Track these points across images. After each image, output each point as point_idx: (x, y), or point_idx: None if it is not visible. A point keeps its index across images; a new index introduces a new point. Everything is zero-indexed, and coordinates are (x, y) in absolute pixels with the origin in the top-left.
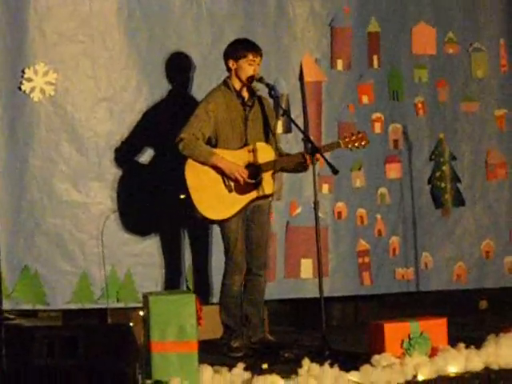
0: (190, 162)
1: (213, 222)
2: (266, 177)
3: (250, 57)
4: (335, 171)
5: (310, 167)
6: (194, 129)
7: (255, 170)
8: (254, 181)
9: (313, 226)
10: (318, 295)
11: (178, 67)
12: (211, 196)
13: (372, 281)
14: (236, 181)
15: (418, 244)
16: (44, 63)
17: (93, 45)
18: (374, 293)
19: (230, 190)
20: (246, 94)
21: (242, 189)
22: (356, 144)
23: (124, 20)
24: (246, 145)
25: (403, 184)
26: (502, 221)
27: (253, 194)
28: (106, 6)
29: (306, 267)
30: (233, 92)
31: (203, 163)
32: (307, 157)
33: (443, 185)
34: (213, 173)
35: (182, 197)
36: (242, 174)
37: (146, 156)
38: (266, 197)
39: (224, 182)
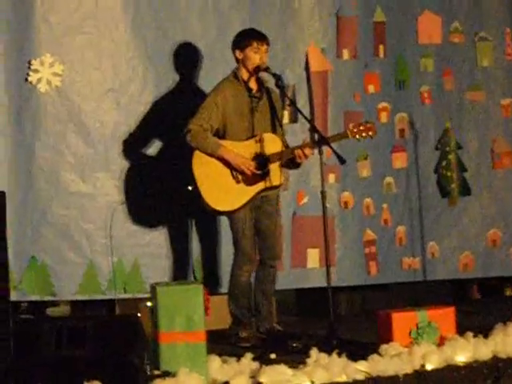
0: (197, 153)
1: (221, 213)
2: (274, 168)
3: (255, 44)
4: (343, 161)
5: (315, 158)
6: (201, 120)
7: (263, 161)
8: (261, 172)
9: (319, 216)
10: (324, 285)
11: (184, 58)
12: (219, 187)
13: (379, 270)
14: (243, 173)
15: (424, 233)
16: (50, 54)
17: (99, 36)
18: (380, 282)
19: (238, 182)
20: (254, 85)
21: (249, 180)
22: (363, 134)
23: (130, 11)
24: (253, 136)
25: (409, 173)
26: (509, 209)
27: (260, 185)
28: None
29: (313, 257)
30: (241, 83)
31: (210, 155)
32: (296, 152)
33: (449, 174)
34: (220, 164)
35: (190, 188)
36: (249, 166)
37: (152, 147)
38: (273, 188)
39: (232, 173)
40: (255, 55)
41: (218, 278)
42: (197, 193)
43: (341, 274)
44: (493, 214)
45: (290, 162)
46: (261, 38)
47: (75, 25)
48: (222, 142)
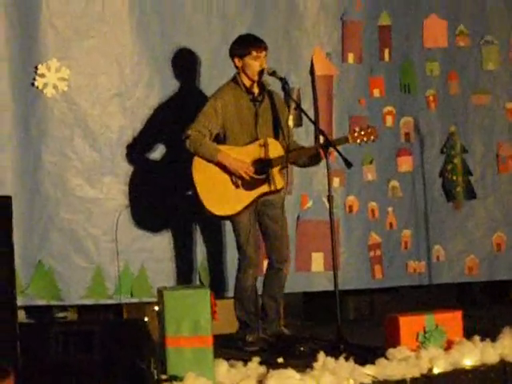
0: (196, 159)
1: (221, 218)
2: (275, 172)
3: (254, 53)
4: (349, 165)
5: (323, 161)
6: (200, 126)
7: (264, 165)
8: (261, 176)
9: (323, 220)
10: (328, 288)
11: (190, 63)
12: (218, 193)
13: (384, 274)
14: (242, 177)
15: (429, 237)
16: (57, 59)
17: (105, 41)
18: (385, 286)
19: (237, 186)
20: (256, 89)
21: (249, 185)
22: (365, 139)
23: (136, 16)
24: (255, 140)
25: (415, 177)
26: None
27: (260, 190)
28: (118, 2)
29: (317, 261)
30: (242, 88)
31: (209, 160)
32: (321, 150)
33: (455, 178)
34: (219, 170)
35: (189, 193)
36: (247, 171)
37: (158, 151)
38: (274, 192)
39: (231, 178)
40: (255, 63)
41: (224, 282)
42: (197, 198)
43: (345, 278)
44: (498, 218)
45: (313, 159)
46: (259, 45)
47: (81, 29)
48: (222, 146)
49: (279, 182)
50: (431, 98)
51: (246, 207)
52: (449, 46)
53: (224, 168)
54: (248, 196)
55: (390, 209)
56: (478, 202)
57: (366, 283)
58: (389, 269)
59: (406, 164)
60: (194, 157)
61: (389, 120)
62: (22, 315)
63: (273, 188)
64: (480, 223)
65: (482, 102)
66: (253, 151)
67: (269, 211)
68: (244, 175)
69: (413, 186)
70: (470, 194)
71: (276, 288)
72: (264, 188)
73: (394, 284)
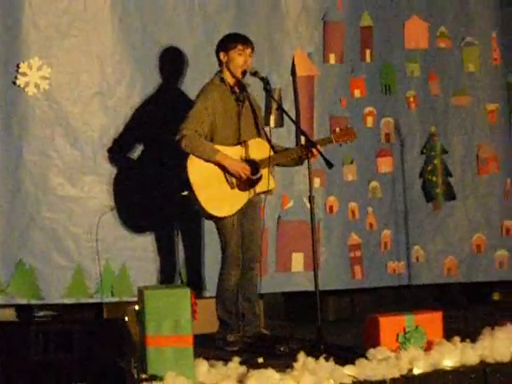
0: (192, 158)
1: (218, 218)
2: (265, 172)
3: (239, 46)
4: (330, 165)
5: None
6: (195, 125)
7: (254, 166)
8: (255, 177)
9: (304, 220)
10: (308, 288)
11: (171, 61)
12: (215, 193)
13: (364, 274)
14: (239, 178)
15: (409, 237)
16: (38, 57)
17: (87, 39)
18: (365, 286)
19: (232, 187)
20: (237, 88)
21: (243, 185)
22: (345, 138)
23: (117, 14)
24: (240, 140)
25: (395, 178)
26: (493, 215)
27: (254, 190)
28: (100, 0)
29: (297, 261)
30: (227, 87)
31: (206, 160)
32: (304, 150)
33: (434, 179)
34: (215, 169)
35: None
36: (245, 171)
37: (139, 150)
38: (266, 192)
39: (226, 178)
40: (239, 57)
41: (204, 281)
42: (192, 199)
43: (325, 278)
44: (478, 219)
45: (296, 159)
46: (245, 41)
47: (63, 28)
48: (216, 146)
49: (271, 181)
50: (412, 98)
51: (242, 208)
52: (430, 47)
53: (220, 168)
54: (242, 197)
55: (369, 209)
56: (458, 203)
57: (345, 283)
58: (369, 269)
59: (386, 164)
60: (184, 156)
61: (369, 120)
62: (5, 314)
63: (266, 188)
64: (459, 224)
65: (463, 104)
66: (240, 151)
67: (248, 211)
68: (242, 175)
69: (393, 187)
70: (450, 195)
71: (250, 288)
72: (258, 188)
73: (373, 284)
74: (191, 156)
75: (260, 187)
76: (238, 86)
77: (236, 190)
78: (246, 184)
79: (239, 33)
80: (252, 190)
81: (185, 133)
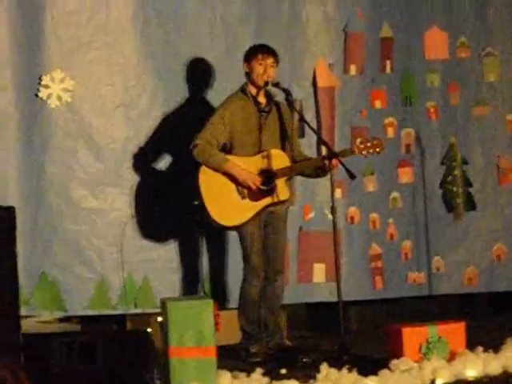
0: (203, 168)
1: (227, 228)
2: (280, 183)
3: (260, 56)
4: (353, 176)
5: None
6: (208, 135)
7: (269, 177)
8: (267, 187)
9: (325, 231)
10: (330, 299)
11: (193, 73)
12: (225, 203)
13: (384, 285)
14: (249, 188)
15: (429, 248)
16: (61, 70)
17: (109, 51)
18: (385, 297)
19: (244, 197)
20: (263, 99)
21: (255, 195)
22: (371, 151)
23: (139, 26)
24: (260, 151)
25: (415, 188)
26: None
27: (266, 201)
28: (122, 12)
29: (319, 272)
30: (250, 98)
31: (216, 170)
32: (326, 161)
33: (455, 189)
34: (226, 179)
35: (196, 203)
36: (255, 182)
37: (162, 162)
38: (280, 203)
39: (237, 188)
40: (259, 67)
41: (227, 293)
42: (203, 208)
43: (346, 289)
44: (498, 229)
45: (320, 170)
46: (267, 51)
47: (85, 40)
48: (229, 157)
49: (284, 193)
50: (432, 109)
51: (252, 218)
52: (450, 57)
53: (230, 178)
54: (254, 207)
55: (390, 220)
56: (478, 214)
57: (366, 294)
58: (389, 280)
59: (406, 175)
60: (200, 167)
61: (390, 131)
62: (27, 325)
63: (279, 198)
64: (480, 234)
65: (483, 114)
66: (258, 162)
67: (273, 222)
68: (252, 185)
69: (413, 197)
70: (470, 205)
71: (273, 299)
72: (269, 199)
73: (394, 295)
74: (203, 166)
75: (273, 198)
76: (266, 96)
77: (247, 201)
78: (259, 194)
79: (265, 44)
80: (264, 201)
81: (197, 142)
